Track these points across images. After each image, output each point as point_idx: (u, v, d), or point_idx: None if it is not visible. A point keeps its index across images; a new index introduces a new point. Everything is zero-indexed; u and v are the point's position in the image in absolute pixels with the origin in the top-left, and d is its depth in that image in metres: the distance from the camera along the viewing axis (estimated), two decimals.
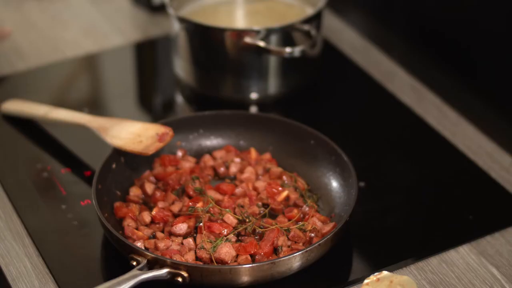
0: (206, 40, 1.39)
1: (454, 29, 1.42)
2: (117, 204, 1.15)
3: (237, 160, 1.24)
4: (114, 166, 1.18)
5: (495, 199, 1.23)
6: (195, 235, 1.11)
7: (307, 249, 1.03)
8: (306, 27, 1.36)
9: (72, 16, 1.68)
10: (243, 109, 1.40)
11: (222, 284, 1.03)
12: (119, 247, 1.07)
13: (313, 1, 1.45)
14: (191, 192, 1.16)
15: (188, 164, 1.22)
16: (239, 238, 1.10)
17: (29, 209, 1.19)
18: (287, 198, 1.17)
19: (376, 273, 1.04)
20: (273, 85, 1.41)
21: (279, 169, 1.22)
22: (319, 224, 1.11)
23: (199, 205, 1.12)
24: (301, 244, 1.09)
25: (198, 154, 1.26)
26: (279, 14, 1.47)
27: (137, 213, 1.14)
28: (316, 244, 1.04)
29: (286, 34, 1.37)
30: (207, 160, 1.24)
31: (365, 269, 1.11)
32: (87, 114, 1.28)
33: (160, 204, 1.15)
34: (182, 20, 1.40)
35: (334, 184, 1.19)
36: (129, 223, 1.12)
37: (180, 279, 1.01)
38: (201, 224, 1.10)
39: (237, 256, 1.06)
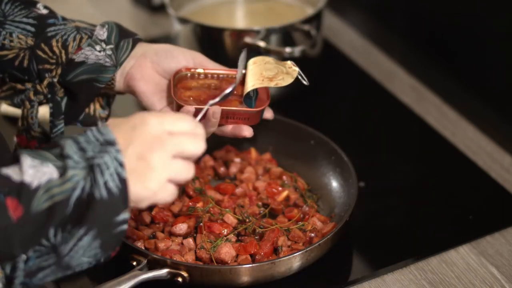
0: (206, 40, 1.39)
1: (454, 29, 1.42)
2: None
3: (237, 160, 1.24)
4: None
5: (495, 199, 1.23)
6: (195, 235, 1.10)
7: (307, 249, 1.03)
8: (306, 27, 1.36)
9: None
10: None
11: (222, 284, 1.03)
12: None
13: (313, 1, 1.45)
14: (191, 192, 1.16)
15: None
16: (239, 238, 1.10)
17: None
18: (287, 198, 1.17)
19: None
20: None
21: (279, 169, 1.22)
22: (319, 224, 1.11)
23: (199, 205, 1.12)
24: (301, 244, 1.09)
25: None
26: (279, 14, 1.47)
27: (137, 213, 1.14)
28: (316, 244, 1.04)
29: (286, 34, 1.37)
30: (207, 160, 1.24)
31: (365, 269, 1.11)
32: None
33: (160, 204, 1.15)
34: (182, 20, 1.40)
35: (334, 184, 1.19)
36: (129, 223, 1.12)
37: (180, 279, 1.01)
38: (201, 224, 1.10)
39: (237, 256, 1.06)
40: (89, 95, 1.08)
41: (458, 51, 1.42)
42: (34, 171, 0.79)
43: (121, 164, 0.81)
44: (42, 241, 0.79)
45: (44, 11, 1.08)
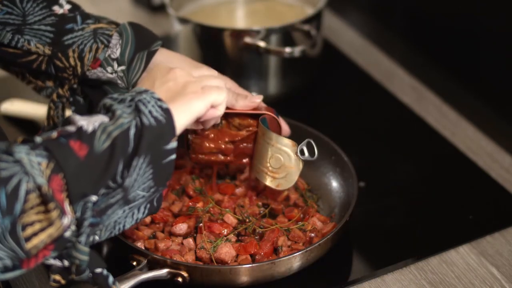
0: (206, 40, 1.39)
1: (454, 29, 1.42)
2: None
3: None
4: None
5: (495, 199, 1.23)
6: (195, 235, 1.11)
7: (307, 249, 1.03)
8: (306, 27, 1.36)
9: None
10: None
11: (222, 284, 1.03)
12: (119, 247, 1.07)
13: (313, 1, 1.45)
14: (191, 192, 1.16)
15: (188, 164, 1.22)
16: (239, 238, 1.10)
17: None
18: (287, 198, 1.17)
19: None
20: (273, 85, 1.41)
21: None
22: (319, 224, 1.11)
23: (199, 205, 1.12)
24: (301, 244, 1.09)
25: None
26: (279, 14, 1.47)
27: None
28: (316, 244, 1.04)
29: (286, 34, 1.37)
30: None
31: (365, 269, 1.11)
32: None
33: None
34: (182, 20, 1.40)
35: (334, 184, 1.19)
36: None
37: (180, 279, 1.01)
38: (201, 224, 1.10)
39: (237, 256, 1.06)
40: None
41: (458, 51, 1.42)
42: (86, 121, 0.86)
43: (159, 99, 0.90)
44: (109, 181, 0.85)
45: (67, 7, 1.08)
